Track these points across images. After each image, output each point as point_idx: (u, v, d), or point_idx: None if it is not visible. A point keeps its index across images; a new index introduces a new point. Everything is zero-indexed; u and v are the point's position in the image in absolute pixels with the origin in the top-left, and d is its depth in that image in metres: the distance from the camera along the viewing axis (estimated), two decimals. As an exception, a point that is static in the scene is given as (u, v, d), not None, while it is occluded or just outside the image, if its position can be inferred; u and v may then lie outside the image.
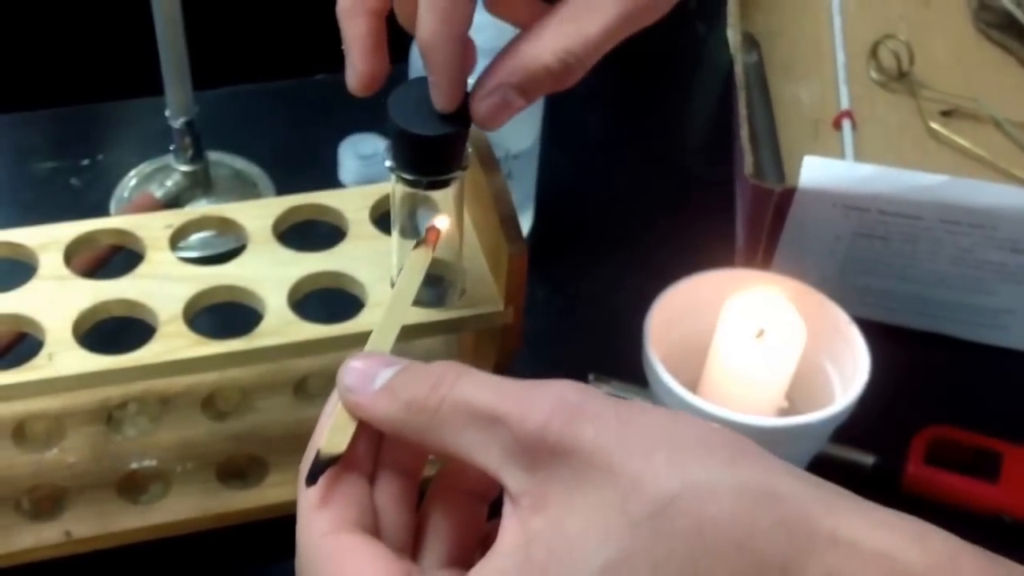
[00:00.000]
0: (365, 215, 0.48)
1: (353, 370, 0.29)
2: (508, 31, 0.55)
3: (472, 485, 0.30)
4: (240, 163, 0.65)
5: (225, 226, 0.49)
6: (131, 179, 0.64)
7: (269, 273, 0.46)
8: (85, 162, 0.65)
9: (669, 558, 0.24)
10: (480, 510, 0.30)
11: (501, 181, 0.45)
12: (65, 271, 0.45)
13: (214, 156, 0.63)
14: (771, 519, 0.24)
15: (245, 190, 0.63)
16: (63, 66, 0.81)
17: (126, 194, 0.63)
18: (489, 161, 0.45)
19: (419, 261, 0.35)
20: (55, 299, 0.44)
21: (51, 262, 0.46)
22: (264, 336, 0.44)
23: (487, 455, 0.26)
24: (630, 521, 0.24)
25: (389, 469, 0.30)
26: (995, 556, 0.25)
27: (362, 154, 0.63)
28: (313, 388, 0.51)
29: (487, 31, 0.55)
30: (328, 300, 0.45)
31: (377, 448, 0.30)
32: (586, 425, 0.26)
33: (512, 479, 0.26)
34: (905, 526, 0.24)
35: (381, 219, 0.48)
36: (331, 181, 0.63)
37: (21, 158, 0.65)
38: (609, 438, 0.25)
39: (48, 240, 0.46)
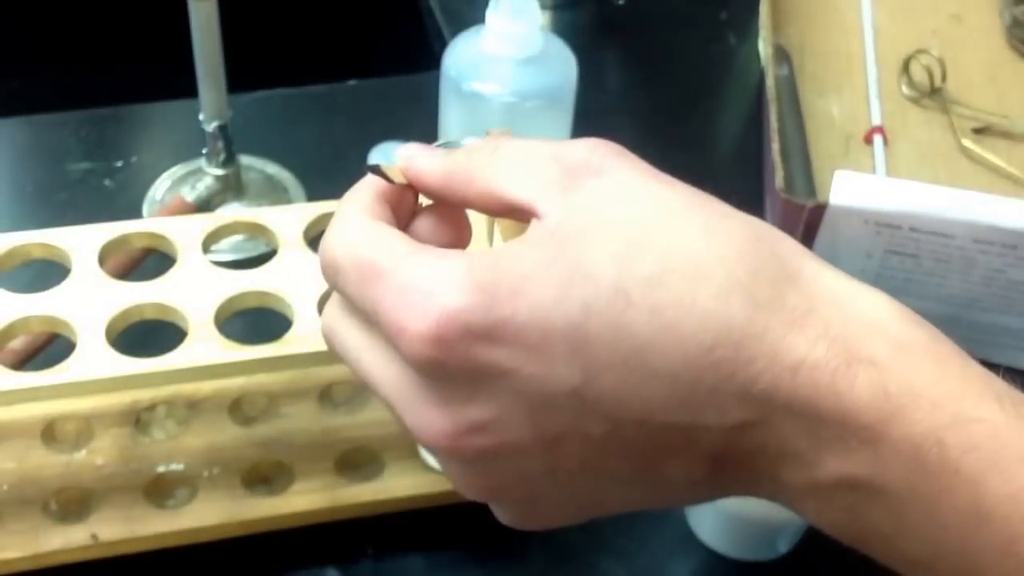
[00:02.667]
0: (397, 223, 0.48)
1: (417, 144, 0.32)
2: (536, 44, 0.56)
3: None
4: (271, 167, 0.65)
5: (258, 231, 0.49)
6: (163, 181, 0.64)
7: (300, 280, 0.46)
8: (118, 164, 0.65)
9: (677, 252, 0.27)
10: None
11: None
12: (99, 273, 0.46)
13: (245, 160, 0.63)
14: (770, 247, 0.28)
15: (276, 194, 0.64)
16: (97, 68, 0.82)
17: (158, 196, 0.63)
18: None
19: None
20: (88, 301, 0.45)
21: (85, 264, 0.46)
22: (294, 343, 0.44)
23: (529, 189, 0.29)
24: (650, 220, 0.27)
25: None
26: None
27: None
28: (338, 396, 0.51)
29: (515, 43, 0.55)
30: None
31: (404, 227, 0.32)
32: (624, 158, 0.29)
33: (546, 202, 0.28)
34: (876, 291, 0.28)
35: (413, 228, 0.48)
36: (360, 187, 0.64)
37: (55, 159, 0.66)
38: (644, 170, 0.29)
39: (83, 242, 0.47)
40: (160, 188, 0.64)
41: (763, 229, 0.28)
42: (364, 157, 0.64)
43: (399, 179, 0.31)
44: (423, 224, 0.32)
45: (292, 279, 0.46)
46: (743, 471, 0.28)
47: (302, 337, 0.44)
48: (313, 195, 0.64)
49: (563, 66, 0.58)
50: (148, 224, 0.49)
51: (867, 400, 0.25)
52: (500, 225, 0.41)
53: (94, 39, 0.83)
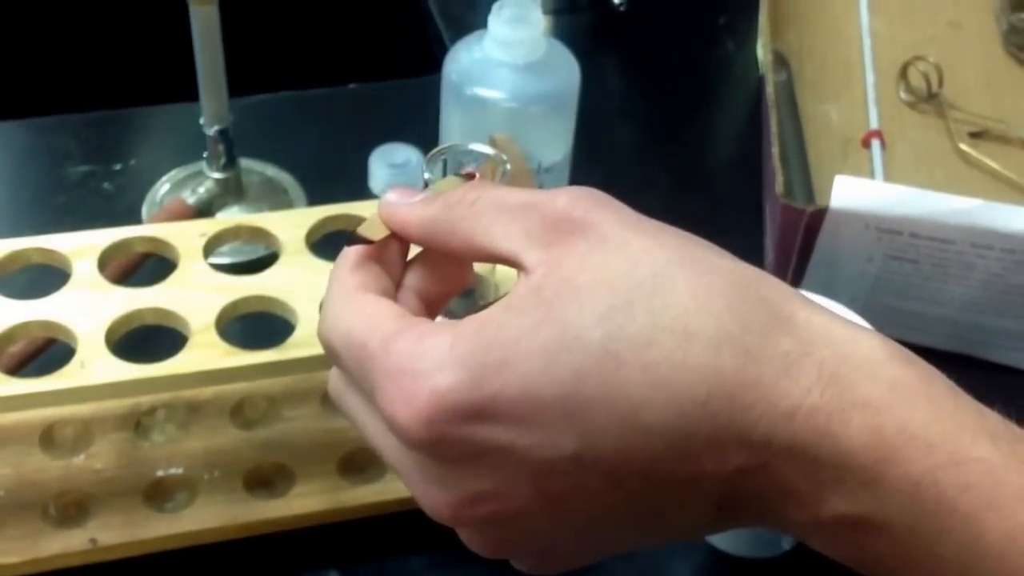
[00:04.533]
0: (398, 227, 0.48)
1: (397, 190, 0.32)
2: (538, 49, 0.56)
3: None
4: (272, 171, 0.65)
5: (258, 235, 0.49)
6: (163, 184, 0.64)
7: (301, 284, 0.46)
8: (118, 167, 0.65)
9: (665, 310, 0.27)
10: None
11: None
12: (99, 278, 0.46)
13: (246, 163, 0.63)
14: (758, 295, 0.27)
15: (276, 198, 0.63)
16: (97, 70, 0.81)
17: (158, 199, 0.63)
18: (524, 175, 0.45)
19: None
20: (89, 306, 0.44)
21: (85, 269, 0.46)
22: (296, 347, 0.44)
23: (511, 241, 0.29)
24: (636, 279, 0.27)
25: (409, 290, 0.32)
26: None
27: (393, 163, 0.63)
28: (341, 399, 0.51)
29: (517, 48, 0.55)
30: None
31: (400, 272, 0.32)
32: (607, 210, 0.29)
33: (531, 257, 0.28)
34: (868, 331, 0.28)
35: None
36: (362, 190, 0.64)
37: (55, 162, 0.65)
38: (627, 221, 0.28)
39: (83, 247, 0.47)
40: (160, 191, 0.64)
41: (751, 277, 0.28)
42: (365, 161, 0.64)
43: (380, 233, 0.31)
44: (418, 273, 0.32)
45: (293, 283, 0.46)
46: (747, 510, 0.28)
47: (304, 341, 0.44)
48: (314, 198, 0.64)
49: (566, 72, 0.58)
50: (150, 229, 0.49)
51: (863, 442, 0.26)
52: None
53: (94, 42, 0.83)
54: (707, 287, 0.27)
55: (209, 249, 0.48)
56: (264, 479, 0.49)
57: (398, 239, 0.31)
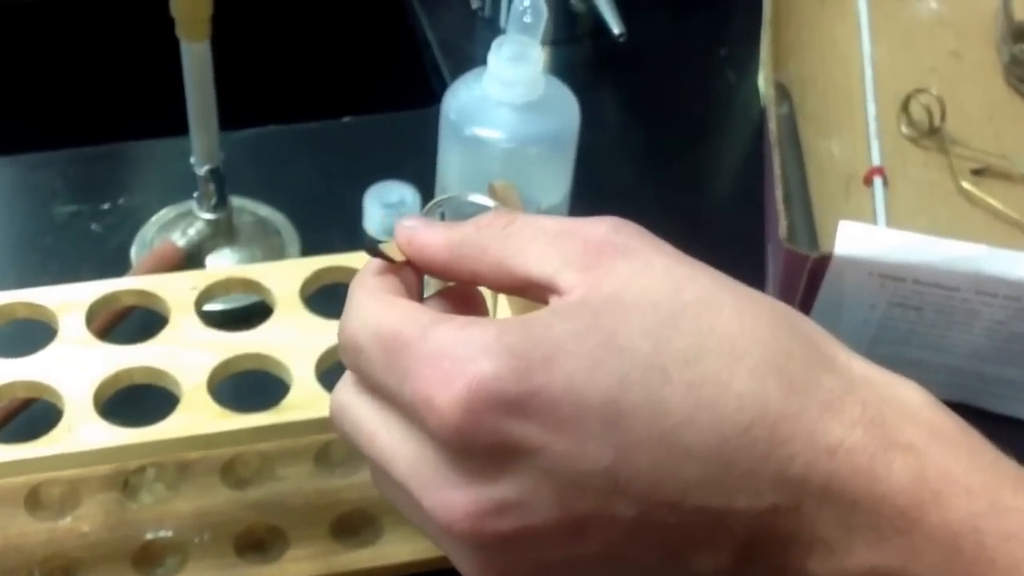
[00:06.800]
0: (395, 281, 0.47)
1: (414, 217, 0.31)
2: (537, 88, 0.55)
3: None
4: (264, 210, 0.63)
5: (251, 288, 0.48)
6: (153, 225, 0.62)
7: (296, 342, 0.45)
8: (106, 206, 0.63)
9: (711, 332, 0.26)
10: None
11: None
12: (87, 334, 0.44)
13: (237, 202, 0.61)
14: (801, 333, 0.27)
15: (268, 238, 0.62)
16: (84, 105, 0.80)
17: (148, 240, 0.61)
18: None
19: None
20: (76, 365, 0.43)
21: (72, 325, 0.45)
22: (290, 410, 0.43)
23: (546, 264, 0.28)
24: (682, 300, 0.27)
25: None
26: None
27: (387, 203, 0.62)
28: (336, 456, 0.50)
29: (516, 88, 0.54)
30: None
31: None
32: (648, 239, 0.29)
33: (568, 278, 0.27)
34: (906, 379, 0.28)
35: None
36: (356, 229, 0.62)
37: (41, 201, 0.63)
38: (668, 250, 0.29)
39: (70, 301, 0.45)
40: (149, 232, 0.62)
41: (792, 313, 0.28)
42: (360, 198, 0.62)
43: (399, 257, 0.30)
44: (434, 306, 0.30)
45: (287, 341, 0.45)
46: (770, 561, 0.27)
47: (299, 404, 0.43)
48: (307, 238, 0.62)
49: (565, 111, 0.57)
50: (139, 282, 0.47)
51: (904, 485, 0.25)
52: (512, 304, 0.40)
53: (81, 76, 0.81)
54: (753, 315, 0.27)
55: (200, 303, 0.46)
56: (256, 542, 0.47)
57: (413, 270, 0.30)
